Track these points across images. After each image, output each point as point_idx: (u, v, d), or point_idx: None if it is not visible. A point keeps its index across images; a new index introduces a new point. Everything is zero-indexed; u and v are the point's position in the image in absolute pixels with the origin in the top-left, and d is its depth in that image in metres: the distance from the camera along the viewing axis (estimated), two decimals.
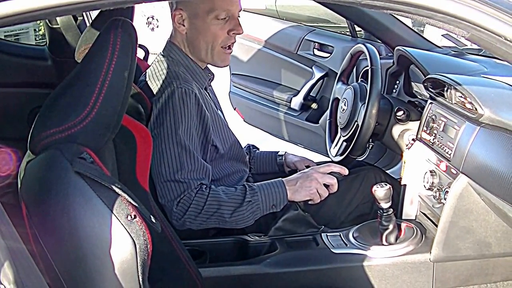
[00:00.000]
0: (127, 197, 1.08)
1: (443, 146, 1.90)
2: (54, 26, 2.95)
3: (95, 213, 1.06)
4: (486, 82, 1.92)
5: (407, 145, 2.22)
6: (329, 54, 3.18)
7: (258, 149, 2.39)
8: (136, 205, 1.09)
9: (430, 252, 1.84)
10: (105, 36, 1.22)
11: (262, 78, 3.56)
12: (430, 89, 2.04)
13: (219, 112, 2.09)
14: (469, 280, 1.89)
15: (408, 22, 2.79)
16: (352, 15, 2.66)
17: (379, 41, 2.77)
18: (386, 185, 1.79)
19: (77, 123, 1.17)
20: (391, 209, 1.82)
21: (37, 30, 4.58)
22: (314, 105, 3.29)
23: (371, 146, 2.31)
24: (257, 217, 1.88)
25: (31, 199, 1.12)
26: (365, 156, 2.35)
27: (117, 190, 1.08)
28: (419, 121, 2.14)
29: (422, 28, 3.77)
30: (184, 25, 1.92)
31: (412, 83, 2.41)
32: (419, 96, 2.35)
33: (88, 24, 2.47)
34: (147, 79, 1.94)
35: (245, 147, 2.27)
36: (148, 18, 7.84)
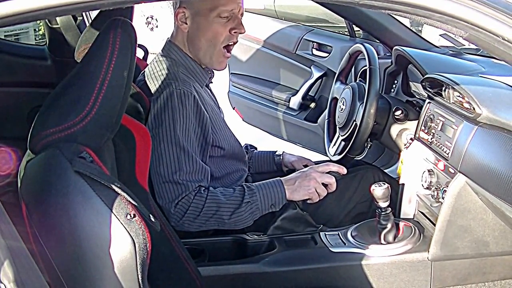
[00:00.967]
0: (126, 196, 1.08)
1: (441, 145, 1.90)
2: (54, 26, 2.95)
3: (95, 212, 1.07)
4: (484, 81, 1.92)
5: (405, 145, 2.23)
6: (327, 54, 3.18)
7: (256, 148, 2.39)
8: (136, 204, 1.09)
9: (428, 251, 1.85)
10: (105, 36, 1.22)
11: (261, 77, 3.57)
12: (428, 88, 2.04)
13: (219, 110, 2.09)
14: (467, 279, 1.89)
15: (406, 22, 2.80)
16: (351, 15, 2.67)
17: (378, 41, 2.78)
18: (384, 184, 1.79)
19: (77, 123, 1.18)
20: (389, 208, 1.83)
21: (37, 30, 4.58)
22: (312, 105, 3.30)
23: (369, 145, 2.32)
24: (256, 217, 1.88)
25: (31, 198, 1.12)
26: (364, 155, 2.35)
27: (116, 189, 1.08)
28: (417, 121, 2.14)
29: (420, 28, 3.78)
30: (186, 23, 1.92)
31: (410, 83, 2.42)
32: (417, 96, 2.36)
33: (87, 24, 2.48)
34: (145, 78, 1.94)
35: (243, 146, 2.27)
36: (147, 18, 7.83)
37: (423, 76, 2.07)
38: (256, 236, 1.94)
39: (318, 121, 3.18)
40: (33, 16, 1.06)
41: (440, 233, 1.83)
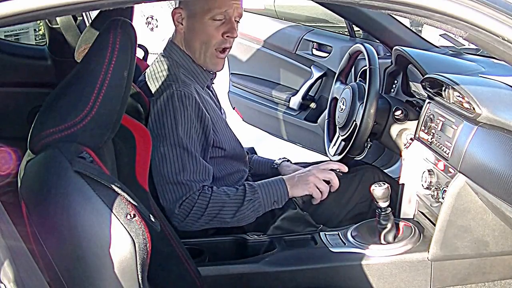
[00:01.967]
0: (126, 196, 1.08)
1: (441, 145, 1.90)
2: (54, 26, 2.95)
3: (95, 212, 1.07)
4: (484, 81, 1.92)
5: (405, 145, 2.23)
6: (327, 54, 3.18)
7: (255, 153, 2.39)
8: (136, 204, 1.09)
9: (428, 251, 1.85)
10: (105, 36, 1.22)
11: (261, 77, 3.57)
12: (428, 88, 2.04)
13: (221, 111, 2.10)
14: (466, 279, 1.89)
15: (406, 22, 2.79)
16: (351, 15, 2.66)
17: (377, 41, 2.78)
18: (384, 184, 1.79)
19: (77, 123, 1.18)
20: (389, 208, 1.83)
21: (37, 30, 4.58)
22: (312, 105, 3.30)
23: (369, 145, 2.31)
24: (259, 214, 1.89)
25: (31, 198, 1.12)
26: (363, 155, 2.35)
27: (116, 189, 1.08)
28: (417, 121, 2.14)
29: (420, 28, 3.78)
30: (182, 24, 1.92)
31: (410, 83, 2.42)
32: (417, 96, 2.36)
33: (87, 24, 2.48)
34: (146, 79, 1.94)
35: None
36: (147, 18, 7.83)
37: (423, 76, 2.07)
38: (256, 236, 1.95)
39: (318, 121, 3.18)
40: (33, 16, 1.06)
41: (440, 233, 1.83)
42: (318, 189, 1.92)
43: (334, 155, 2.41)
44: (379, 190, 1.78)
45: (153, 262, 1.15)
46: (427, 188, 1.98)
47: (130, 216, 1.07)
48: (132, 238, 1.06)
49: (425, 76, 2.04)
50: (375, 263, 1.84)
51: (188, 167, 1.81)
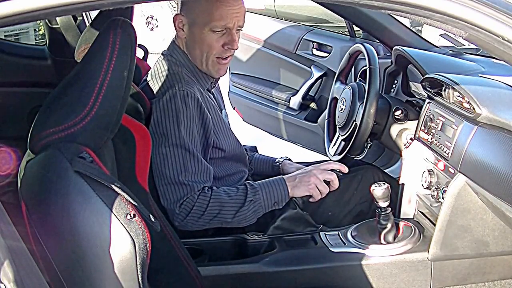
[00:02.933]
0: (126, 196, 1.08)
1: (441, 145, 1.90)
2: (54, 26, 2.95)
3: (95, 212, 1.07)
4: (484, 81, 1.92)
5: (405, 145, 2.23)
6: (327, 54, 3.18)
7: (256, 150, 2.39)
8: (135, 204, 1.09)
9: (428, 251, 1.85)
10: (105, 36, 1.22)
11: (261, 77, 3.57)
12: (428, 88, 2.04)
13: (223, 112, 2.09)
14: (466, 278, 1.89)
15: (406, 22, 2.80)
16: (351, 15, 2.66)
17: (377, 41, 2.78)
18: (384, 184, 1.79)
19: (77, 123, 1.18)
20: (389, 208, 1.83)
21: (37, 30, 4.58)
22: (312, 105, 3.30)
23: (369, 145, 2.32)
24: (259, 215, 1.89)
25: (31, 198, 1.12)
26: (363, 155, 2.35)
27: (116, 189, 1.08)
28: (417, 121, 2.14)
29: (420, 28, 3.79)
30: (183, 30, 1.92)
31: (410, 83, 2.42)
32: (417, 96, 2.36)
33: (87, 24, 2.48)
34: (149, 78, 1.94)
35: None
36: (147, 18, 7.83)
37: (423, 76, 2.07)
38: (256, 236, 1.95)
39: (318, 121, 3.18)
40: (33, 16, 1.06)
41: (440, 233, 1.83)
42: (318, 189, 1.92)
43: (334, 155, 2.41)
44: (379, 190, 1.78)
45: (153, 262, 1.15)
46: (427, 188, 1.98)
47: (130, 216, 1.07)
48: (132, 238, 1.06)
49: (425, 76, 2.04)
50: (375, 263, 1.84)
51: (189, 168, 1.82)
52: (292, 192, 1.91)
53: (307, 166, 2.04)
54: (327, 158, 2.51)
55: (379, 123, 2.26)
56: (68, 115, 1.18)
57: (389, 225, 1.85)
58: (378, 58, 2.27)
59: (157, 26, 7.61)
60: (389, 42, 2.62)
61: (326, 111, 2.67)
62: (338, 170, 2.01)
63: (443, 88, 1.92)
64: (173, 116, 1.81)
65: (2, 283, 0.88)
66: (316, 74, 3.22)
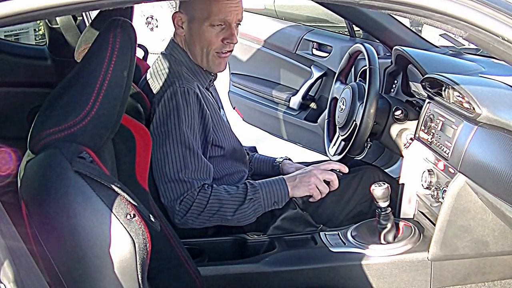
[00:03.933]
0: (126, 196, 1.08)
1: (441, 145, 1.90)
2: (54, 26, 2.95)
3: (95, 212, 1.07)
4: (483, 81, 1.92)
5: (405, 145, 2.23)
6: (327, 54, 3.18)
7: (256, 151, 2.39)
8: (135, 204, 1.09)
9: (428, 251, 1.85)
10: (105, 36, 1.22)
11: (261, 77, 3.57)
12: (428, 88, 2.04)
13: (222, 111, 2.10)
14: (466, 278, 1.89)
15: (406, 22, 2.80)
16: (351, 15, 2.67)
17: (377, 41, 2.78)
18: (384, 184, 1.79)
19: (77, 123, 1.18)
20: (389, 208, 1.83)
21: (37, 30, 4.59)
22: (312, 105, 3.30)
23: (369, 145, 2.32)
24: (259, 214, 1.90)
25: (31, 198, 1.12)
26: (363, 155, 2.35)
27: (116, 189, 1.08)
28: (417, 121, 2.14)
29: (420, 28, 3.79)
30: (182, 28, 1.93)
31: (410, 83, 2.42)
32: (417, 96, 2.36)
33: (87, 24, 2.48)
34: (149, 77, 1.95)
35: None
36: (147, 18, 7.83)
37: (423, 76, 2.07)
38: (256, 236, 1.95)
39: (318, 121, 3.18)
40: (33, 16, 1.06)
41: (440, 233, 1.83)
42: (319, 189, 1.93)
43: (334, 155, 2.41)
44: (379, 190, 1.78)
45: (153, 262, 1.15)
46: (427, 188, 1.98)
47: (130, 216, 1.07)
48: (132, 238, 1.06)
49: (425, 76, 2.04)
50: (375, 263, 1.84)
51: (190, 165, 1.82)
52: (292, 192, 1.91)
53: (307, 166, 2.05)
54: (327, 158, 2.51)
55: (379, 123, 2.26)
56: (68, 115, 1.18)
57: (389, 225, 1.85)
58: (378, 58, 2.26)
59: (157, 26, 7.61)
60: (389, 42, 2.62)
61: (326, 111, 2.66)
62: (338, 170, 2.01)
63: (443, 88, 1.92)
64: (173, 113, 1.82)
65: (2, 283, 0.88)
66: (316, 74, 3.22)
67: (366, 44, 2.37)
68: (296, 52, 3.32)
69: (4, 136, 2.60)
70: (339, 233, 1.96)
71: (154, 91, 1.89)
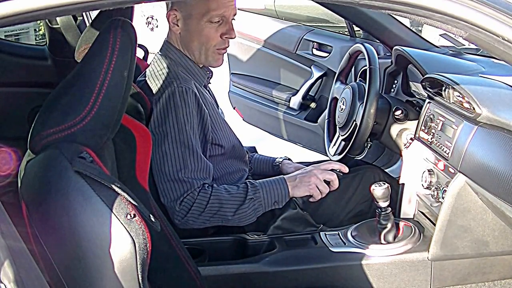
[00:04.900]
0: (126, 196, 1.08)
1: (441, 145, 1.90)
2: (54, 26, 2.96)
3: (95, 212, 1.07)
4: (484, 81, 1.92)
5: (405, 145, 2.23)
6: (327, 54, 3.18)
7: (256, 151, 2.39)
8: (136, 204, 1.09)
9: (428, 251, 1.85)
10: (105, 36, 1.22)
11: (261, 77, 3.57)
12: (428, 88, 2.04)
13: (219, 110, 2.10)
14: (466, 278, 1.89)
15: (406, 22, 2.80)
16: (351, 15, 2.67)
17: (378, 41, 2.78)
18: (384, 184, 1.79)
19: (77, 123, 1.18)
20: (389, 208, 1.83)
21: (37, 30, 4.59)
22: (313, 105, 3.30)
23: (369, 145, 2.32)
24: (259, 213, 1.89)
25: (31, 198, 1.12)
26: (364, 155, 2.35)
27: (116, 189, 1.08)
28: (417, 121, 2.14)
29: (420, 28, 3.78)
30: (178, 25, 1.92)
31: (410, 83, 2.42)
32: (417, 96, 2.36)
33: (87, 24, 2.48)
34: (146, 78, 1.94)
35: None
36: (147, 18, 7.84)
37: (423, 76, 2.07)
38: (256, 236, 1.95)
39: (318, 121, 3.18)
40: (33, 16, 1.06)
41: (440, 233, 1.83)
42: (319, 189, 1.93)
43: (334, 155, 2.41)
44: (379, 190, 1.78)
45: (153, 262, 1.15)
46: (427, 188, 1.98)
47: (130, 216, 1.07)
48: (132, 238, 1.06)
49: (425, 76, 2.04)
50: (375, 263, 1.84)
51: (189, 165, 1.82)
52: (293, 192, 1.91)
53: (307, 166, 2.05)
54: (327, 158, 2.51)
55: (379, 123, 2.26)
56: (68, 115, 1.18)
57: (389, 225, 1.85)
58: (378, 58, 2.27)
59: (157, 26, 7.62)
60: (389, 42, 2.62)
61: (326, 111, 2.67)
62: (338, 170, 2.01)
63: (443, 88, 1.92)
64: (172, 113, 1.82)
65: (2, 283, 0.88)
66: (316, 74, 3.22)
67: (366, 44, 2.37)
68: (296, 52, 3.31)
69: (4, 136, 2.60)
70: (339, 233, 1.96)
71: (152, 92, 1.89)
